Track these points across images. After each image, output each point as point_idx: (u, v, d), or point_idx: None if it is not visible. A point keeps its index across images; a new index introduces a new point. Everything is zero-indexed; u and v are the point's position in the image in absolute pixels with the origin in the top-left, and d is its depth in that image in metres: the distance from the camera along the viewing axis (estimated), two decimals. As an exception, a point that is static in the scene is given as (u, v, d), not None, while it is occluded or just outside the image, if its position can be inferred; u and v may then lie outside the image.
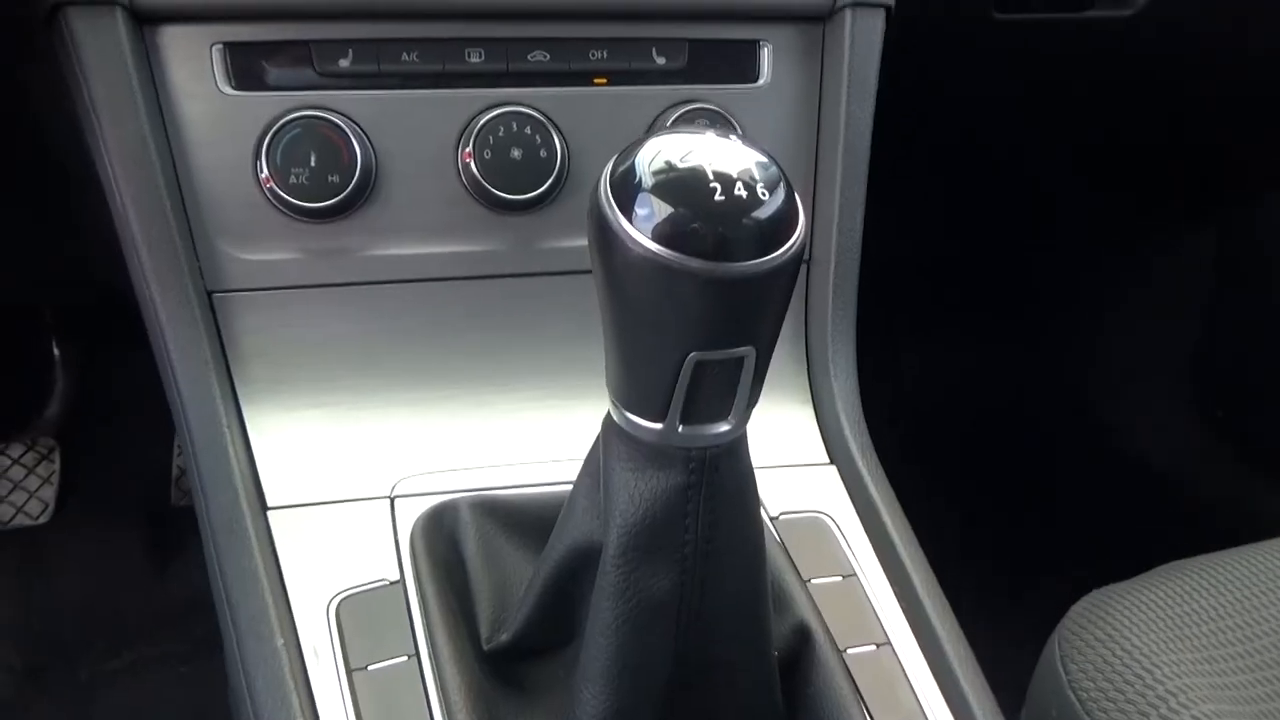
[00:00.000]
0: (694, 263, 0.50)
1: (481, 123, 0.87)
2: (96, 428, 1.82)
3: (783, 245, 0.51)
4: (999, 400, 2.22)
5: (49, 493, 1.73)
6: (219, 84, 0.85)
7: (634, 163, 0.52)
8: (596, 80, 0.92)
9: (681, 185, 0.51)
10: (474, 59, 0.90)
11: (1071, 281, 2.13)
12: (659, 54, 0.93)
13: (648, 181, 0.51)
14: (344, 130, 0.85)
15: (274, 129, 0.84)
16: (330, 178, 0.85)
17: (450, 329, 0.90)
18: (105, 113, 0.81)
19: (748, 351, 0.54)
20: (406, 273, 0.89)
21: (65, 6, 0.80)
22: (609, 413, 0.60)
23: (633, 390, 0.57)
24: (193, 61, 0.84)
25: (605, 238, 0.52)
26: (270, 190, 0.84)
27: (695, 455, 0.57)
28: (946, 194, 1.66)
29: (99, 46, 0.80)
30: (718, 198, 0.50)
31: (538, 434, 0.89)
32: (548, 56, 0.91)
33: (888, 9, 0.95)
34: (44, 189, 1.10)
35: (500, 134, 0.88)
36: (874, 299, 1.03)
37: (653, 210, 0.50)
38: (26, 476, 1.72)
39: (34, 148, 1.01)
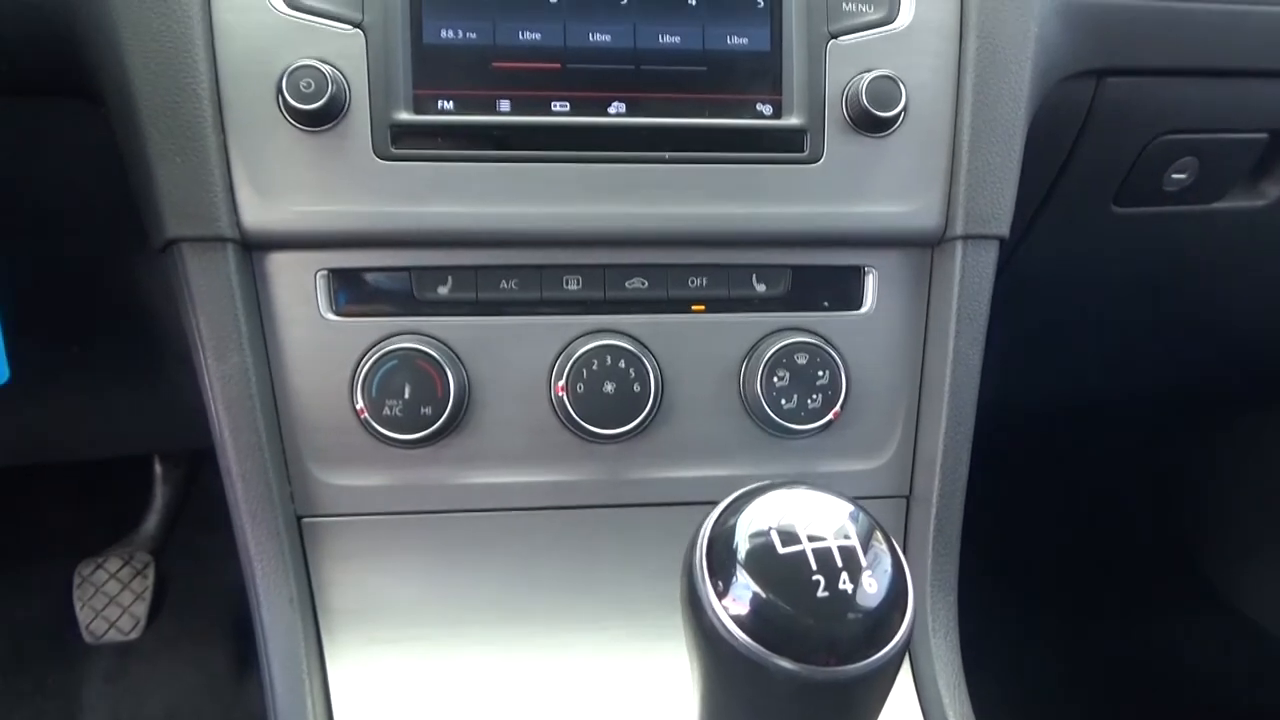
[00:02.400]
0: (790, 665, 0.47)
1: (575, 355, 0.86)
2: (191, 541, 1.87)
3: (889, 642, 0.48)
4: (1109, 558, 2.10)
5: (141, 609, 1.77)
6: (321, 309, 0.86)
7: (731, 532, 0.50)
8: (695, 307, 0.90)
9: (780, 573, 0.48)
10: (571, 286, 0.89)
11: (1185, 451, 2.01)
12: (759, 281, 0.91)
13: (743, 559, 0.49)
14: (439, 362, 0.85)
15: (370, 359, 0.85)
16: (423, 410, 0.84)
17: (535, 561, 0.89)
18: (210, 345, 0.82)
19: None
20: (493, 501, 0.88)
21: (179, 242, 0.82)
22: None
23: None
24: (297, 287, 0.86)
25: (696, 609, 0.50)
26: (364, 420, 0.85)
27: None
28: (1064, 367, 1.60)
29: (208, 281, 0.82)
30: (820, 593, 0.47)
31: (621, 677, 0.86)
32: (646, 284, 0.90)
33: (1001, 240, 0.91)
34: (158, 371, 1.13)
35: (594, 367, 0.86)
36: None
37: (748, 596, 0.48)
38: (121, 591, 1.77)
39: (150, 339, 1.04)
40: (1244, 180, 1.19)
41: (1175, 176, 1.14)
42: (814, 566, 0.48)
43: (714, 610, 0.48)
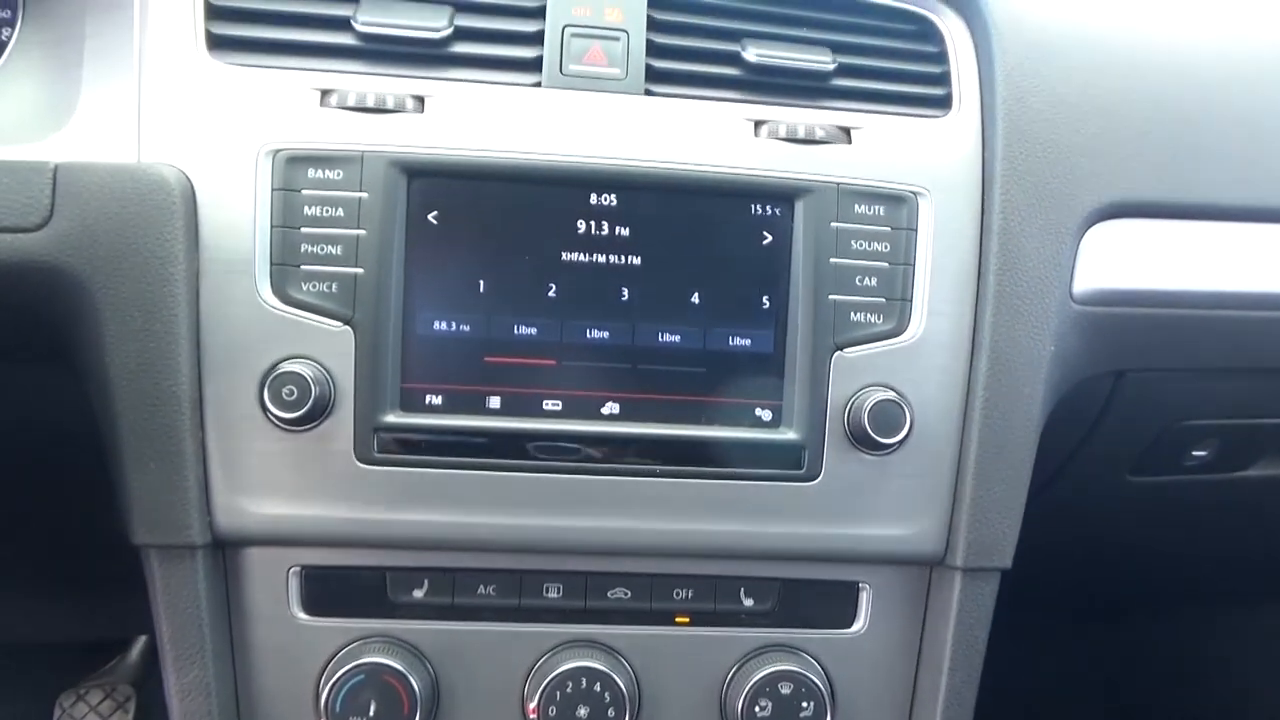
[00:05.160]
0: None
1: (550, 675, 0.83)
2: (173, 674, 1.84)
3: None
4: None
5: (118, 745, 1.75)
6: (292, 608, 0.83)
7: None
8: (678, 619, 0.87)
9: None
10: (551, 594, 0.86)
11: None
12: (747, 594, 0.87)
13: None
14: (406, 678, 0.81)
15: (337, 671, 0.81)
16: None
17: None
18: (172, 657, 0.80)
19: None
20: None
21: (148, 548, 0.80)
22: None
23: None
24: (268, 585, 0.83)
25: None
26: None
27: None
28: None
29: (174, 590, 0.80)
30: None
31: None
32: (628, 594, 0.86)
33: (1004, 571, 0.87)
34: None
35: (568, 690, 0.83)
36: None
37: None
38: (100, 726, 1.75)
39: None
40: (1269, 453, 1.14)
41: (1196, 454, 1.09)
42: None
43: None
